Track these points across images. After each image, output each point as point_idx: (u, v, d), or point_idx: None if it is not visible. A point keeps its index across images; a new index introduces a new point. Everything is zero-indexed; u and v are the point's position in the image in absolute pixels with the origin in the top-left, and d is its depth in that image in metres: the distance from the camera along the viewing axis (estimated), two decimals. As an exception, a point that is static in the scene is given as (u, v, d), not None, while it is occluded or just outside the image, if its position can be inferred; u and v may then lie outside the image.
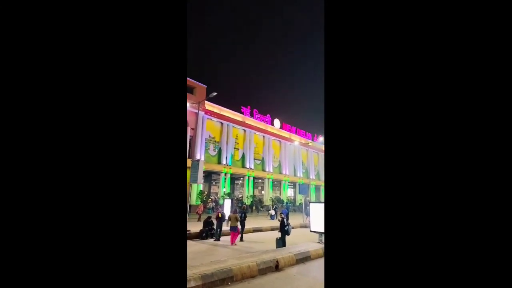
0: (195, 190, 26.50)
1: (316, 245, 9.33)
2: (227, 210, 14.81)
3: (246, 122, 36.43)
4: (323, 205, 9.60)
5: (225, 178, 31.85)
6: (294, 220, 18.25)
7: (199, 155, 28.67)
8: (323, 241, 9.74)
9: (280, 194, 39.05)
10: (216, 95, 19.86)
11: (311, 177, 43.74)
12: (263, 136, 38.32)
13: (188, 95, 27.10)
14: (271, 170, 38.02)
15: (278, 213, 18.34)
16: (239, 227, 11.11)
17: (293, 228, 11.59)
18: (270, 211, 21.92)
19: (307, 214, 15.83)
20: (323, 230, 9.34)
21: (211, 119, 31.58)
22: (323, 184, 45.49)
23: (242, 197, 33.53)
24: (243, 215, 12.15)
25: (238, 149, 34.87)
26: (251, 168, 35.07)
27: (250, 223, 16.86)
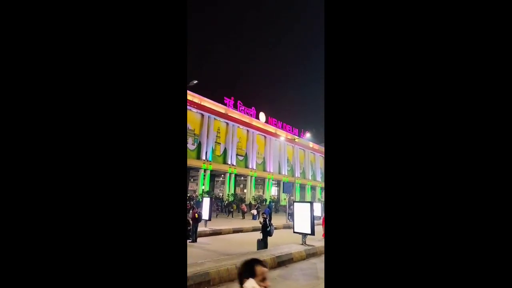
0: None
1: (299, 247, 9.06)
2: (205, 210, 13.50)
3: (229, 114, 33.59)
4: (308, 205, 9.69)
5: (204, 175, 29.41)
6: (277, 220, 18.22)
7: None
8: (307, 242, 9.65)
9: (263, 193, 36.99)
10: (196, 83, 17.92)
11: (296, 175, 40.61)
12: (247, 130, 35.51)
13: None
14: (255, 167, 35.55)
15: (261, 213, 18.37)
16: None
17: (276, 228, 11.22)
18: (252, 211, 22.11)
19: (291, 215, 15.66)
20: (307, 231, 9.34)
21: (190, 109, 28.87)
22: (308, 183, 45.23)
23: (222, 195, 31.63)
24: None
25: (220, 143, 32.43)
26: (233, 165, 32.77)
27: (230, 223, 16.75)
